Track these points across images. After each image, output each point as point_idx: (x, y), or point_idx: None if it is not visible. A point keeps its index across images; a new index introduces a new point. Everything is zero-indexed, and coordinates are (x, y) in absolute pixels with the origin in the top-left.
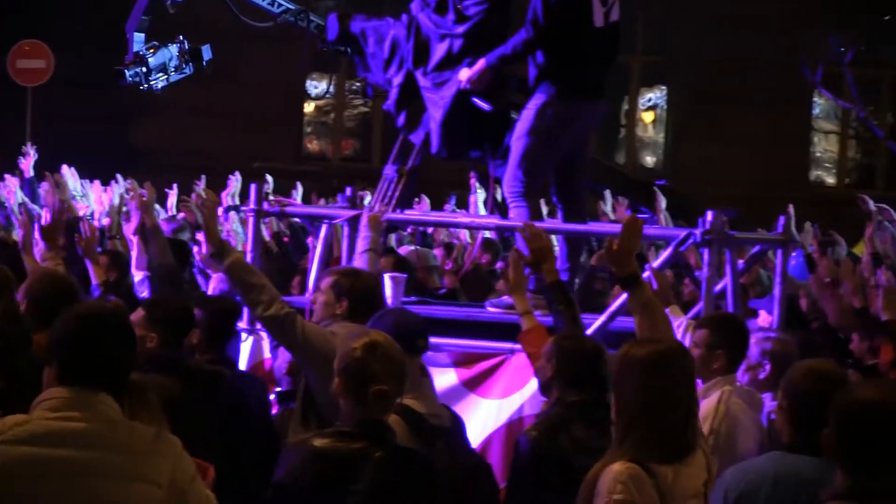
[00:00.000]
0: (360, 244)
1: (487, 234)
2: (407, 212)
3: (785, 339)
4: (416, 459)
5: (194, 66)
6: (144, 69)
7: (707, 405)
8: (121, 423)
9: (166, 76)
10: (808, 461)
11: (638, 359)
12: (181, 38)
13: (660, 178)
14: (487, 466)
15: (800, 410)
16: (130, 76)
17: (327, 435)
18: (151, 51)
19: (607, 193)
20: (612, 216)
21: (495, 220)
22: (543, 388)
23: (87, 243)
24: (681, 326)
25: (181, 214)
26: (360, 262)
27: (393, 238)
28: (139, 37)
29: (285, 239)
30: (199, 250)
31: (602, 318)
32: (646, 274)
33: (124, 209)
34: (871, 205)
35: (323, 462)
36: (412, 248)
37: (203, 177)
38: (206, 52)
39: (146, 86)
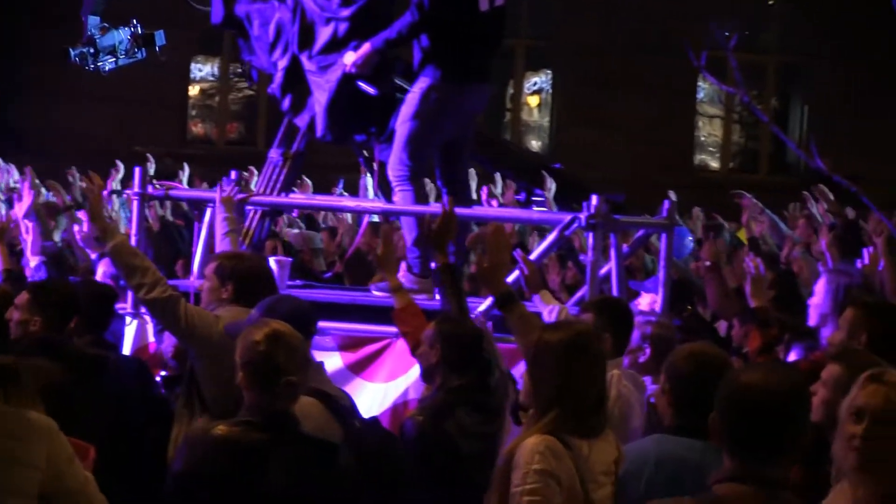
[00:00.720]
0: (219, 227)
1: (376, 218)
2: (293, 195)
3: (664, 323)
4: (322, 448)
5: (147, 51)
6: (92, 50)
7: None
8: None
9: (115, 59)
10: (690, 444)
11: (553, 343)
12: (134, 22)
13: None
14: (395, 437)
15: (681, 393)
16: (75, 55)
17: (232, 424)
18: (101, 32)
19: (497, 176)
20: (501, 199)
21: (381, 205)
22: (426, 374)
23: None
24: (553, 312)
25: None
26: (222, 246)
27: (281, 222)
28: (94, 20)
29: (178, 222)
30: (80, 229)
31: (487, 302)
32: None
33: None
34: (748, 200)
35: (227, 451)
36: (297, 231)
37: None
38: (160, 38)
39: (92, 66)
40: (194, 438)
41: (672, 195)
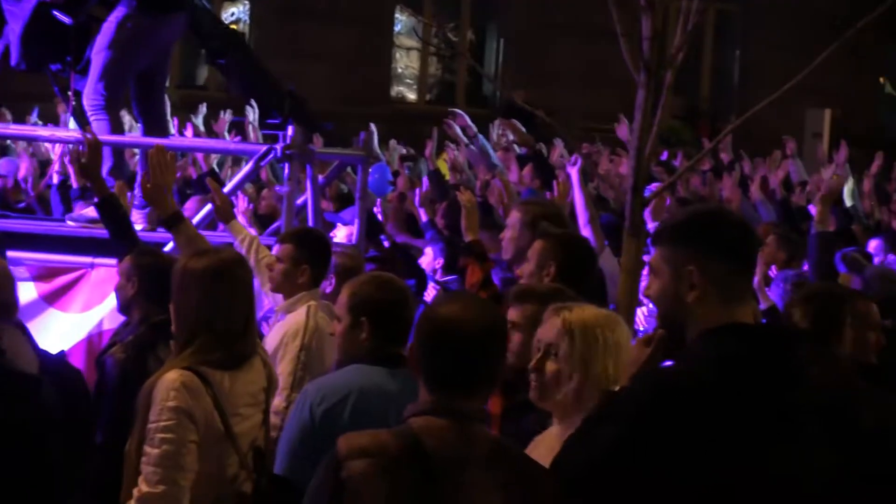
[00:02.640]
0: None
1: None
2: None
3: (350, 253)
4: (25, 380)
5: None
6: None
7: (295, 320)
8: None
9: None
10: (387, 373)
11: (197, 270)
12: None
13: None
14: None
15: (374, 322)
16: None
17: None
18: None
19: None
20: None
21: (76, 134)
22: (123, 307)
23: None
24: (244, 242)
25: None
26: None
27: None
28: None
29: None
30: None
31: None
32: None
33: None
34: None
35: None
36: (6, 159)
37: None
38: None
39: None
40: None
41: (372, 126)
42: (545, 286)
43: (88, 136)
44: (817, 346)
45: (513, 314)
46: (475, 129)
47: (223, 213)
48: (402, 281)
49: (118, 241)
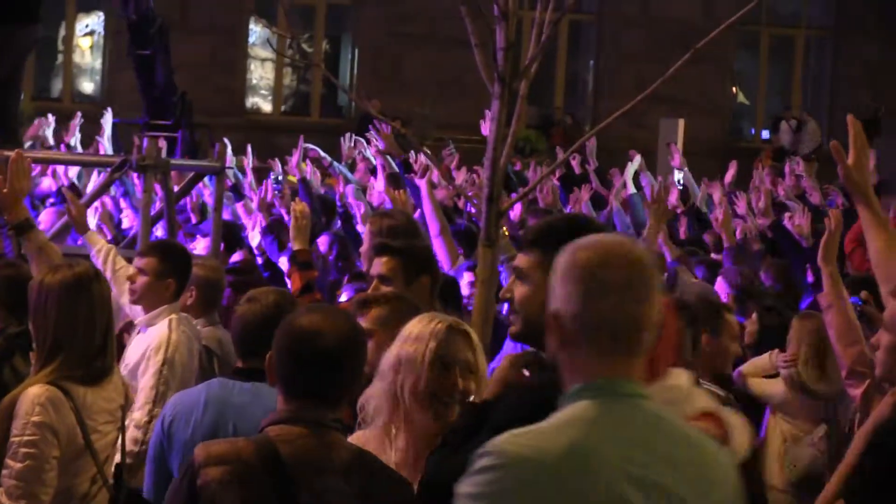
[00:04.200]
0: None
1: None
2: None
3: (209, 264)
4: None
5: None
6: None
7: (158, 333)
8: None
9: None
10: (241, 386)
11: (54, 285)
12: None
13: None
14: None
15: (243, 337)
16: None
17: None
18: None
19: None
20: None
21: None
22: None
23: None
24: (101, 252)
25: None
26: None
27: None
28: None
29: None
30: None
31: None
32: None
33: None
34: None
35: None
36: None
37: None
38: None
39: None
40: None
41: (225, 139)
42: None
43: None
44: None
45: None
46: (329, 158)
47: (79, 225)
48: (280, 297)
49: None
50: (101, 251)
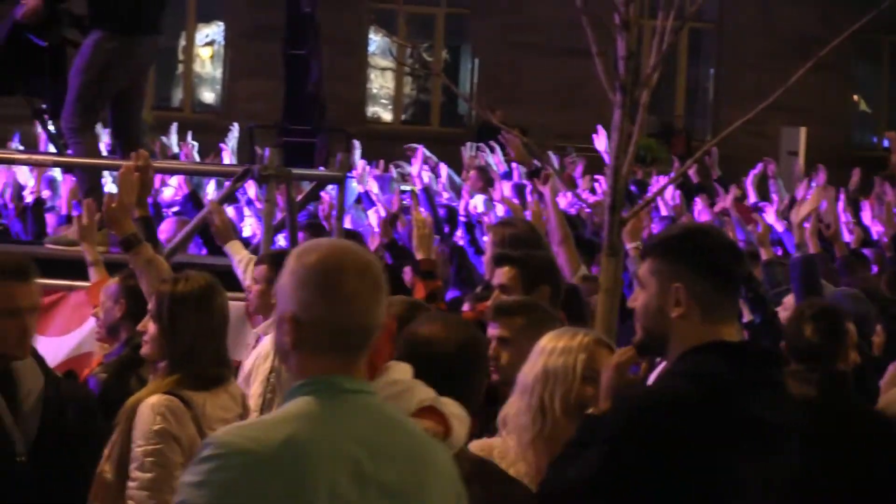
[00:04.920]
0: None
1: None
2: None
3: None
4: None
5: None
6: None
7: (270, 341)
8: None
9: None
10: None
11: (183, 295)
12: None
13: (218, 113)
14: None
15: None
16: None
17: None
18: None
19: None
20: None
21: (52, 158)
22: (110, 330)
23: None
24: (241, 262)
25: None
26: None
27: None
28: None
29: None
30: None
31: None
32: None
33: None
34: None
35: None
36: None
37: None
38: None
39: None
40: None
41: (357, 145)
42: (521, 300)
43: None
44: (808, 364)
45: (498, 331)
46: (435, 159)
47: (223, 234)
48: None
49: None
50: (241, 261)
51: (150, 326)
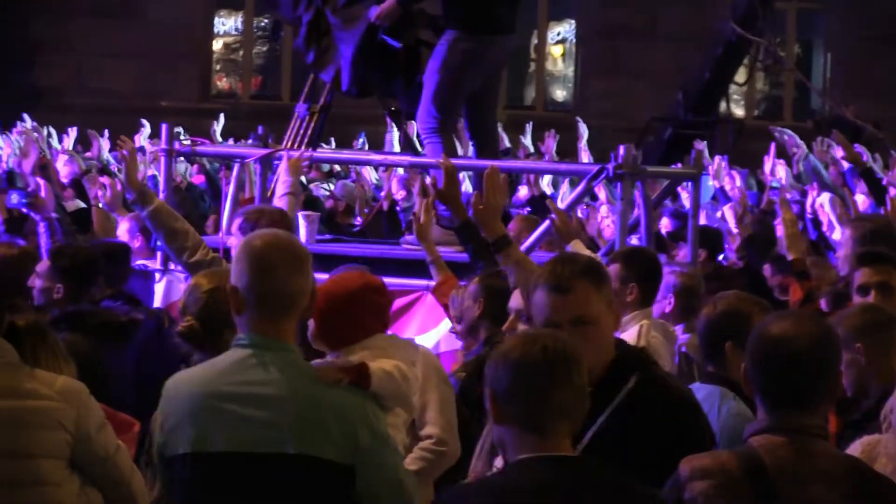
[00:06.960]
0: (280, 188)
1: (401, 171)
2: (320, 150)
3: (690, 272)
4: None
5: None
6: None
7: (628, 339)
8: (21, 370)
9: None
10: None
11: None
12: None
13: (570, 111)
14: None
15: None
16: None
17: None
18: None
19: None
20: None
21: (408, 157)
22: (469, 329)
23: None
24: None
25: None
26: (280, 204)
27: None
28: None
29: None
30: (105, 194)
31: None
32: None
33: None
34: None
35: None
36: (341, 182)
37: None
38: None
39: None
40: None
41: (702, 144)
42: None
43: (444, 162)
44: None
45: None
46: (804, 147)
47: (564, 234)
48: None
49: (478, 261)
50: None
51: (518, 327)
